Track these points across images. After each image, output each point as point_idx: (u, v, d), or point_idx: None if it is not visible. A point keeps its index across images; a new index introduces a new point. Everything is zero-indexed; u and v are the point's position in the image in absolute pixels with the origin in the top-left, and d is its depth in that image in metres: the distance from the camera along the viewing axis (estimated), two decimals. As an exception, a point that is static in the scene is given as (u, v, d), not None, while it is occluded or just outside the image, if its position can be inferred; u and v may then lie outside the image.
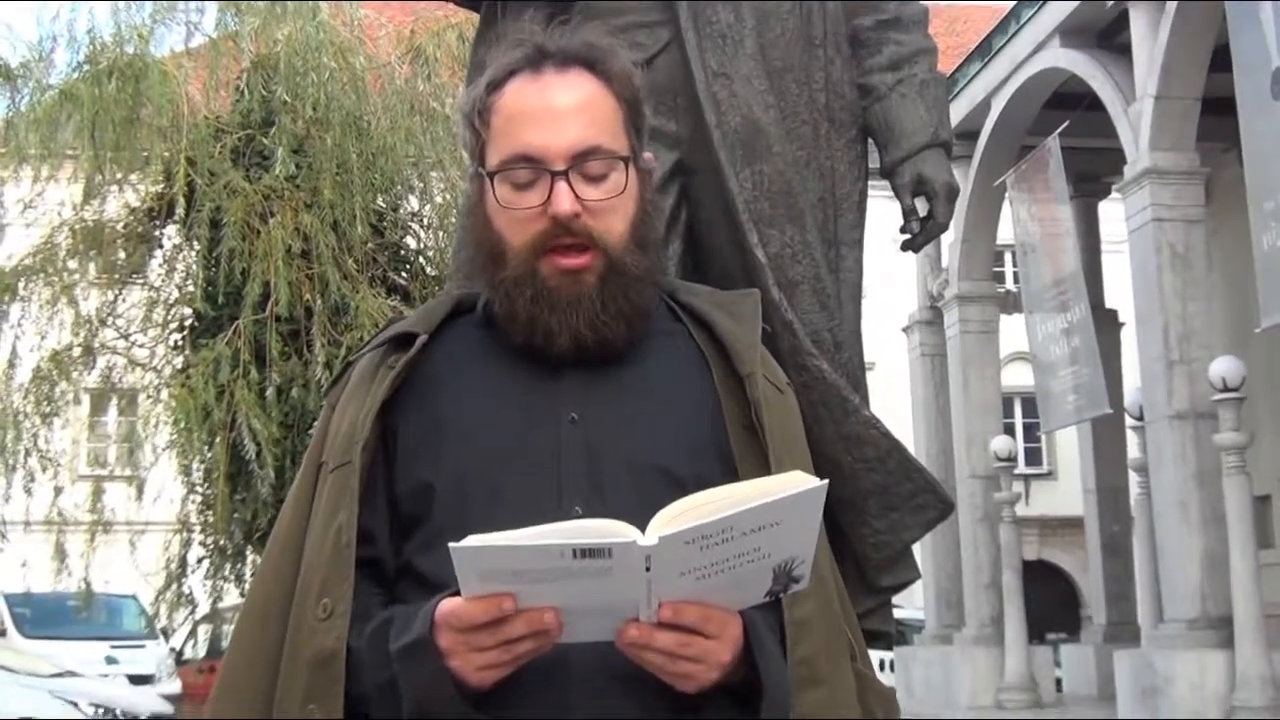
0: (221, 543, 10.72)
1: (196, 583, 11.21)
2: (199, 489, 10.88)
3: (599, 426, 1.52)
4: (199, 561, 11.12)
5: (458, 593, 1.30)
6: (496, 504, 1.44)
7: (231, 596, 11.13)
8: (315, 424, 1.66)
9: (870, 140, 2.57)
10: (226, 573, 10.94)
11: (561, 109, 1.54)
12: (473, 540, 1.24)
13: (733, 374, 1.58)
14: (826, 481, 1.29)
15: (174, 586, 11.02)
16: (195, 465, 10.58)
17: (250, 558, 10.67)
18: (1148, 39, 11.44)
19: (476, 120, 1.59)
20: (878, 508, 2.36)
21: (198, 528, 11.06)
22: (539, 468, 1.49)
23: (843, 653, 1.54)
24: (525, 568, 1.24)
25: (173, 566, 11.00)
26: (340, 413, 1.59)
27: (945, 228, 2.56)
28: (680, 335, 1.65)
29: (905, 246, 2.63)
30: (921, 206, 2.54)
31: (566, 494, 1.46)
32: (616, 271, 1.54)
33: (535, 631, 1.29)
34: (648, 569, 1.25)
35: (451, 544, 1.24)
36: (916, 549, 2.52)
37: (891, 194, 2.53)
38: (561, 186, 1.51)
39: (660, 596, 1.28)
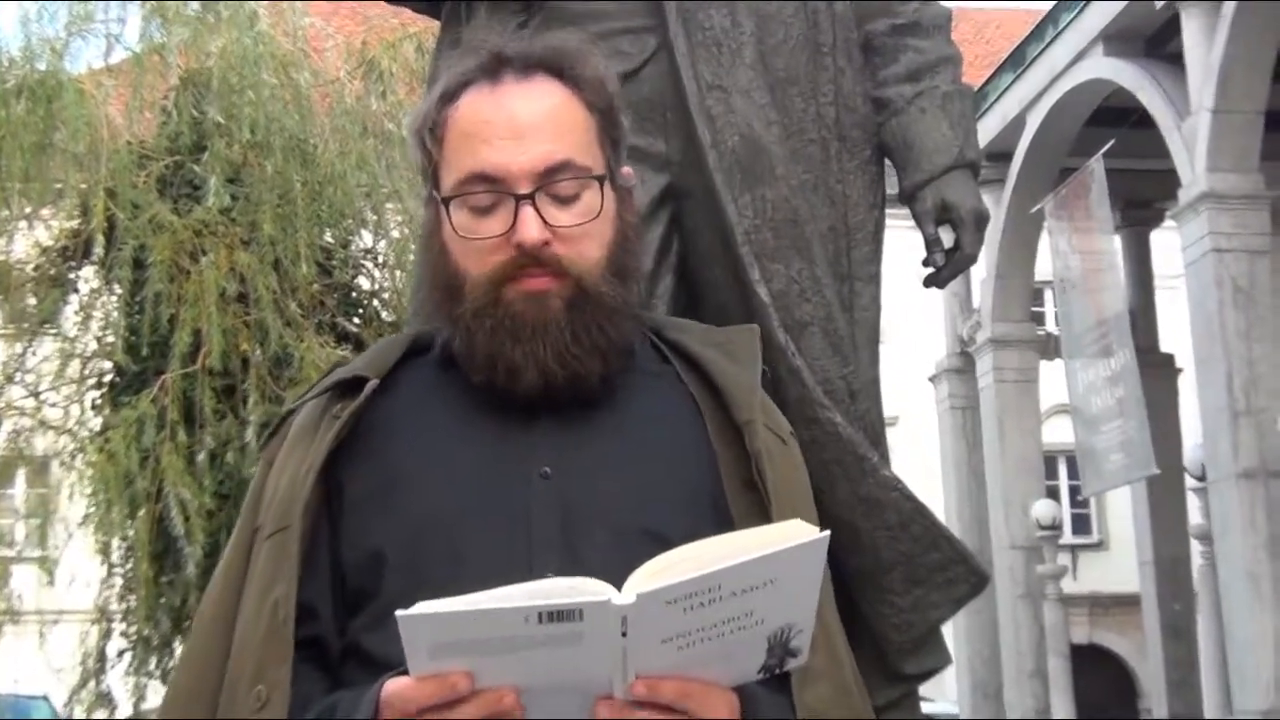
0: (145, 633, 10.66)
1: (116, 680, 11.13)
2: (119, 571, 10.83)
3: (575, 481, 1.51)
4: (119, 655, 11.05)
5: (407, 671, 1.29)
6: (457, 573, 1.43)
7: (156, 695, 11.04)
8: (250, 485, 1.66)
9: (887, 161, 2.59)
10: (151, 668, 10.87)
11: (524, 121, 1.55)
12: (422, 607, 1.23)
13: (729, 422, 1.58)
14: (828, 533, 1.29)
15: (91, 684, 10.93)
16: (115, 543, 10.54)
17: (178, 650, 10.60)
18: (1202, 45, 11.54)
19: (428, 138, 1.60)
20: (901, 582, 2.35)
21: (118, 616, 11.00)
22: (506, 530, 1.49)
23: None
24: (483, 637, 1.23)
25: (90, 661, 10.93)
26: (278, 470, 1.59)
27: (973, 260, 2.57)
28: (668, 377, 1.65)
29: (929, 282, 2.64)
30: (946, 237, 2.56)
31: (538, 561, 1.45)
32: (589, 301, 1.54)
33: (492, 716, 1.28)
34: (624, 633, 1.24)
35: (398, 612, 1.23)
36: (946, 630, 2.51)
37: (911, 220, 2.54)
38: (527, 212, 1.52)
39: (637, 668, 1.27)
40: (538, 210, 1.53)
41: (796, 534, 1.28)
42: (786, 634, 1.32)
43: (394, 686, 1.31)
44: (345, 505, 1.55)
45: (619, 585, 1.25)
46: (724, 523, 1.52)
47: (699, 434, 1.59)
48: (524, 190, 1.53)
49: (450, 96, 1.60)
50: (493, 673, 1.25)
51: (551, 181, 1.54)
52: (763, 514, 1.51)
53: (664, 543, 1.38)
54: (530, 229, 1.52)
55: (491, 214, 1.54)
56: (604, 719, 1.29)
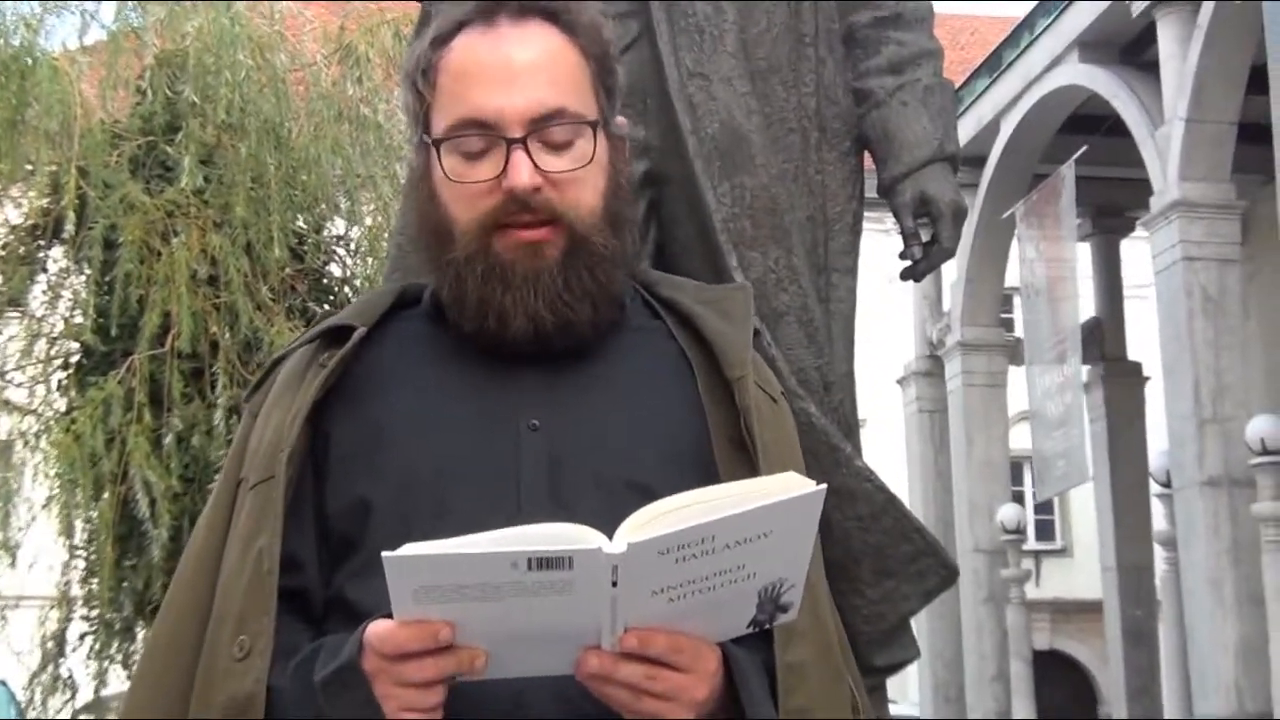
0: (107, 617, 10.57)
1: (78, 664, 11.05)
2: (82, 553, 10.75)
3: (564, 434, 1.51)
4: (81, 639, 10.97)
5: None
6: (443, 525, 1.40)
7: (118, 680, 10.98)
8: (235, 433, 1.65)
9: (867, 153, 2.59)
10: (113, 652, 10.78)
11: (519, 65, 1.54)
12: (409, 549, 1.21)
13: (720, 379, 1.58)
14: (824, 487, 1.28)
15: (51, 669, 10.85)
16: (79, 525, 10.46)
17: (141, 634, 10.54)
18: (1177, 55, 11.60)
19: (420, 80, 1.59)
20: (871, 573, 2.35)
21: (80, 600, 10.92)
22: (494, 483, 1.48)
23: (843, 706, 1.53)
24: (469, 582, 1.22)
25: (50, 645, 10.84)
26: (263, 420, 1.58)
27: (951, 254, 2.57)
28: (659, 334, 1.65)
29: (905, 275, 2.64)
30: (925, 232, 2.56)
31: (526, 513, 1.44)
32: (582, 248, 1.54)
33: (462, 673, 1.27)
34: (614, 583, 1.22)
35: (384, 553, 1.22)
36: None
37: (882, 223, 2.54)
38: (519, 156, 1.51)
39: (627, 620, 1.26)
40: (530, 155, 1.51)
41: (792, 486, 1.27)
42: (778, 589, 1.31)
43: (376, 628, 1.30)
44: (331, 456, 1.54)
45: (608, 537, 1.23)
46: (710, 479, 1.50)
47: (689, 390, 1.59)
48: (516, 135, 1.52)
49: (443, 39, 1.58)
50: (478, 619, 1.24)
51: (544, 127, 1.53)
52: (751, 472, 1.51)
53: (651, 497, 1.38)
54: (521, 174, 1.51)
55: (483, 158, 1.53)
56: (592, 670, 1.28)
